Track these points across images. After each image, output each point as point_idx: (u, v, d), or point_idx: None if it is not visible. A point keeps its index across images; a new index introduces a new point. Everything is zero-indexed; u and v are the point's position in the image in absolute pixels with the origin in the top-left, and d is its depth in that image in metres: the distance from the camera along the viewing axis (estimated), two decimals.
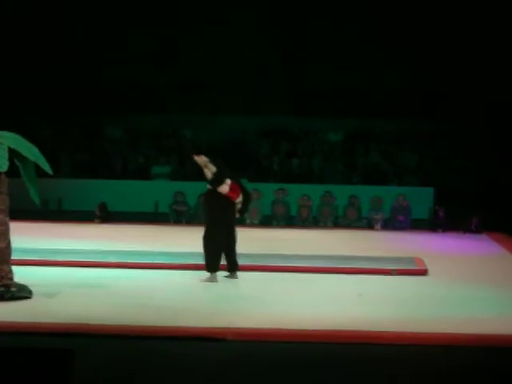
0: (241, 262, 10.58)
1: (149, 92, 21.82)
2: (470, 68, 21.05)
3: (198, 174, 10.83)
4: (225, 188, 10.34)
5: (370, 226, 17.52)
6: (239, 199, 10.53)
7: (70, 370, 4.96)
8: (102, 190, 19.10)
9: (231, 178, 10.43)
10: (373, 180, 19.86)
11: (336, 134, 21.87)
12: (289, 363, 6.75)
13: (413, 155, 20.98)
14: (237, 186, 10.49)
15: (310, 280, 10.52)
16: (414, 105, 21.34)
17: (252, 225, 17.20)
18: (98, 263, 11.18)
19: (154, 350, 6.99)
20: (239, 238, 10.57)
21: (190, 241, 12.18)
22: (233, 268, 10.50)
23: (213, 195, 10.42)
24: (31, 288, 8.83)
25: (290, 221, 17.96)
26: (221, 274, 10.40)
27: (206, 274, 10.28)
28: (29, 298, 8.72)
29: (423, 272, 11.18)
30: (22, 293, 8.71)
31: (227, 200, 10.39)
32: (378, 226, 17.39)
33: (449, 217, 17.01)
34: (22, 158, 8.88)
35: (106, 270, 10.82)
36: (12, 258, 8.79)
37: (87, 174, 20.32)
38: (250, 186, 13.16)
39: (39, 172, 9.03)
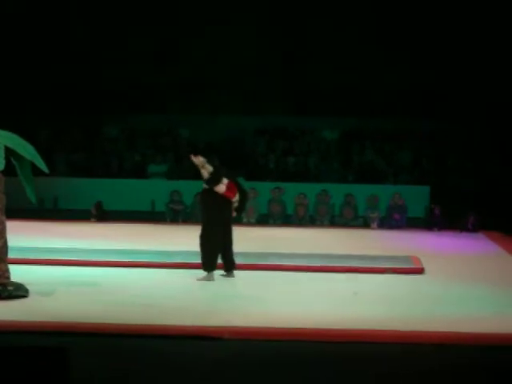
0: (237, 260, 10.59)
1: (149, 92, 21.83)
2: (470, 68, 21.05)
3: (194, 172, 10.83)
4: (221, 187, 10.35)
5: (366, 224, 17.55)
6: (236, 198, 10.54)
7: (66, 369, 4.97)
8: (98, 188, 19.11)
9: (228, 177, 10.44)
10: (368, 178, 19.87)
11: (332, 132, 21.88)
12: (285, 362, 6.75)
13: (409, 153, 21.00)
14: (233, 185, 10.50)
15: (306, 278, 10.52)
16: (414, 104, 21.35)
17: (249, 223, 17.23)
18: (95, 262, 11.18)
19: (149, 348, 6.98)
20: (236, 236, 10.58)
21: (186, 239, 12.20)
22: (230, 267, 10.51)
23: (209, 195, 10.42)
24: (27, 287, 8.83)
25: (286, 219, 17.99)
26: (217, 272, 10.41)
27: (202, 273, 10.29)
28: (25, 296, 8.72)
29: (420, 271, 11.19)
30: (19, 291, 8.71)
31: (224, 199, 10.40)
32: (375, 224, 17.41)
33: (445, 215, 17.04)
34: (19, 157, 8.90)
35: (102, 269, 10.83)
36: (8, 256, 8.80)
37: (83, 172, 20.33)
38: (246, 184, 13.20)
39: (35, 171, 9.05)
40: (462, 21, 21.17)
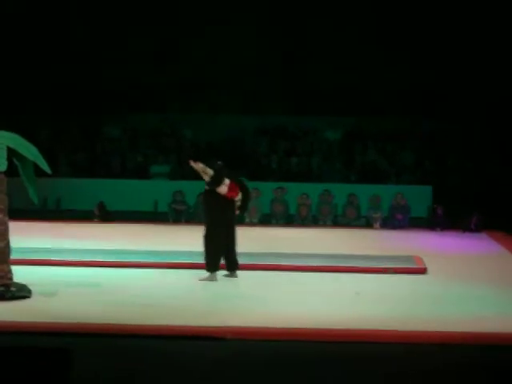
0: (240, 260, 10.59)
1: (149, 92, 21.82)
2: (470, 68, 21.04)
3: (196, 173, 10.83)
4: (223, 189, 10.35)
5: (368, 224, 17.57)
6: (239, 197, 10.54)
7: (69, 370, 4.97)
8: (100, 189, 19.10)
9: (229, 177, 10.44)
10: (371, 178, 19.88)
11: (335, 132, 21.88)
12: (286, 362, 6.74)
13: (411, 154, 20.99)
14: (235, 185, 10.50)
15: (308, 278, 10.52)
16: (414, 104, 21.35)
17: (251, 223, 17.24)
18: (97, 262, 11.18)
19: (150, 348, 6.97)
20: (238, 236, 10.57)
21: (189, 240, 12.21)
22: (233, 267, 10.51)
23: (212, 195, 10.42)
24: (30, 287, 8.83)
25: (289, 219, 18.00)
26: (220, 272, 10.41)
27: (204, 273, 10.29)
28: (28, 297, 8.71)
29: (422, 271, 11.18)
30: (22, 292, 8.70)
31: (226, 200, 10.40)
32: (377, 224, 17.43)
33: (448, 215, 17.04)
34: (21, 158, 8.90)
35: (105, 269, 10.82)
36: (11, 257, 8.80)
37: (86, 173, 20.32)
38: (249, 184, 13.17)
39: (38, 171, 9.04)
40: (461, 21, 21.16)
